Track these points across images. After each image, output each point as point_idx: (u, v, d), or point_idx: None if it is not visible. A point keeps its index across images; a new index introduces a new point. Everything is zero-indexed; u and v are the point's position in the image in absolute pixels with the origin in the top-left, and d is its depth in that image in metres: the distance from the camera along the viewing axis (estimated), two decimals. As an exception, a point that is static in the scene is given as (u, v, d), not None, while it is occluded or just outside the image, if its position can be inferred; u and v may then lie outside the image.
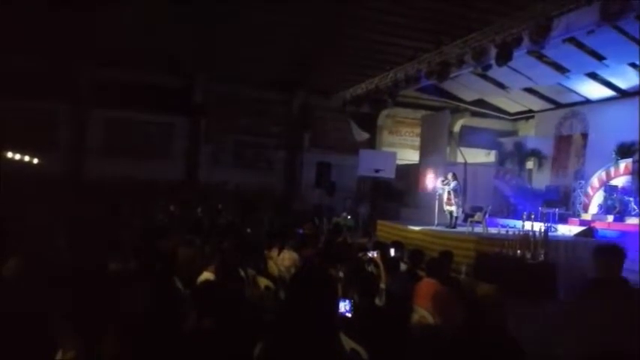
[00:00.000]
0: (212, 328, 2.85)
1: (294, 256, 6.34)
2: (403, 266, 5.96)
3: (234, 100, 18.85)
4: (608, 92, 14.35)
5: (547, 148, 16.81)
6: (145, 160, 17.68)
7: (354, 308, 3.70)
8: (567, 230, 12.22)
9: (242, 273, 4.99)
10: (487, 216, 12.26)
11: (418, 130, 19.51)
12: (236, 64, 16.86)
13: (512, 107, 18.08)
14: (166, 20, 13.85)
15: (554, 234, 11.52)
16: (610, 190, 12.87)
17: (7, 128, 14.73)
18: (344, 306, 3.58)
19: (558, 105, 16.51)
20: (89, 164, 17.17)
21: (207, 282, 3.95)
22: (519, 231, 9.79)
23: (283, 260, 6.37)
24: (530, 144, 17.16)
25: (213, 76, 18.00)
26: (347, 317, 3.58)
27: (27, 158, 15.98)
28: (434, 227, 12.76)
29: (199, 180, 18.60)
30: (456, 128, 19.42)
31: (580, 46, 11.28)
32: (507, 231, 10.56)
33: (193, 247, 5.86)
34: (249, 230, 9.72)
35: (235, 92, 18.63)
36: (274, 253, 6.69)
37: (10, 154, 15.22)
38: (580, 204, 13.99)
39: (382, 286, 5.04)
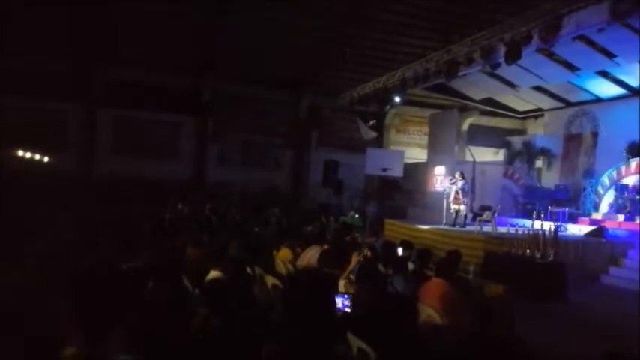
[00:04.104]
0: (220, 325, 2.86)
1: (289, 255, 6.40)
2: (411, 265, 5.94)
3: (241, 99, 18.89)
4: (619, 90, 14.22)
5: (556, 146, 16.69)
6: (153, 160, 17.76)
7: (357, 305, 3.69)
8: (577, 230, 12.13)
9: (250, 271, 5.01)
10: (496, 215, 12.19)
11: (426, 129, 19.43)
12: (243, 64, 16.88)
13: (522, 106, 17.98)
14: (175, 19, 13.89)
15: (564, 233, 11.44)
16: (621, 189, 12.76)
17: (18, 128, 14.89)
18: (342, 301, 3.57)
19: (568, 103, 16.39)
20: (98, 163, 17.28)
21: (215, 280, 3.96)
22: (528, 230, 9.73)
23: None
24: (540, 143, 17.04)
25: (221, 76, 18.04)
26: (351, 315, 3.58)
27: (37, 157, 16.13)
28: (442, 226, 12.72)
29: (207, 179, 18.66)
30: (465, 127, 19.30)
31: (590, 44, 11.18)
32: (516, 230, 10.50)
33: (201, 246, 5.91)
34: (256, 229, 9.74)
35: (243, 92, 18.66)
36: (284, 251, 6.70)
37: (20, 153, 15.37)
38: (590, 203, 13.87)
39: None
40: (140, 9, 13.13)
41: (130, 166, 16.66)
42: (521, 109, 18.22)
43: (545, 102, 16.90)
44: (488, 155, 18.78)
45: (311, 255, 6.19)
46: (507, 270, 8.41)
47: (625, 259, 10.45)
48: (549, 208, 12.86)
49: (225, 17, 13.81)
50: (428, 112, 19.45)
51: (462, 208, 12.62)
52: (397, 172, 17.11)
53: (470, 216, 13.02)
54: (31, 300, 3.27)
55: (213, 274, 4.25)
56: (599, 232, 11.40)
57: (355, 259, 4.94)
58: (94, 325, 2.19)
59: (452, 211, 12.81)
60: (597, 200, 13.71)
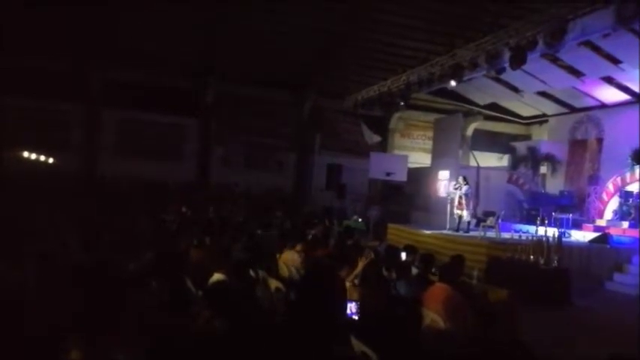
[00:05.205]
0: (223, 328, 2.84)
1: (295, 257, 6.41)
2: (414, 270, 5.91)
3: (245, 101, 18.90)
4: (624, 96, 14.17)
5: (561, 152, 16.64)
6: (157, 161, 17.79)
7: (363, 311, 3.68)
8: (581, 236, 12.06)
9: (253, 274, 5.00)
10: (500, 220, 12.14)
11: (430, 134, 19.40)
12: (247, 66, 16.88)
13: (526, 111, 17.93)
14: (178, 21, 13.94)
15: (568, 240, 11.38)
16: (625, 195, 12.68)
17: (21, 128, 14.95)
18: (350, 308, 3.55)
19: (573, 109, 16.33)
20: (101, 165, 17.31)
21: (219, 283, 3.96)
22: (532, 236, 9.68)
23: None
24: (544, 148, 16.99)
25: (225, 78, 18.07)
26: (355, 320, 3.56)
27: (41, 158, 16.18)
28: (445, 231, 12.67)
29: (210, 181, 18.68)
30: (469, 132, 19.27)
31: (595, 49, 11.15)
32: (520, 236, 10.44)
33: (204, 248, 5.91)
34: (259, 231, 9.72)
35: (246, 94, 18.67)
36: (287, 254, 6.69)
37: (23, 154, 15.43)
38: (595, 210, 13.81)
39: None
40: (141, 10, 13.19)
41: (133, 168, 16.69)
42: (525, 114, 18.18)
43: (550, 107, 16.85)
44: (492, 160, 18.74)
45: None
46: (511, 276, 8.36)
47: (629, 265, 10.39)
48: (553, 214, 12.80)
49: (227, 18, 13.85)
50: (432, 117, 19.42)
51: (466, 213, 12.58)
52: (401, 176, 17.11)
53: (473, 221, 12.98)
54: (32, 300, 3.26)
55: (217, 276, 4.23)
56: (604, 238, 11.33)
57: (361, 263, 4.93)
58: (96, 325, 2.18)
59: (455, 216, 12.78)
60: (602, 207, 13.64)
